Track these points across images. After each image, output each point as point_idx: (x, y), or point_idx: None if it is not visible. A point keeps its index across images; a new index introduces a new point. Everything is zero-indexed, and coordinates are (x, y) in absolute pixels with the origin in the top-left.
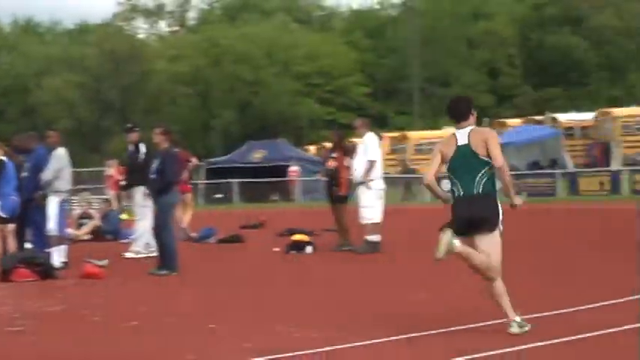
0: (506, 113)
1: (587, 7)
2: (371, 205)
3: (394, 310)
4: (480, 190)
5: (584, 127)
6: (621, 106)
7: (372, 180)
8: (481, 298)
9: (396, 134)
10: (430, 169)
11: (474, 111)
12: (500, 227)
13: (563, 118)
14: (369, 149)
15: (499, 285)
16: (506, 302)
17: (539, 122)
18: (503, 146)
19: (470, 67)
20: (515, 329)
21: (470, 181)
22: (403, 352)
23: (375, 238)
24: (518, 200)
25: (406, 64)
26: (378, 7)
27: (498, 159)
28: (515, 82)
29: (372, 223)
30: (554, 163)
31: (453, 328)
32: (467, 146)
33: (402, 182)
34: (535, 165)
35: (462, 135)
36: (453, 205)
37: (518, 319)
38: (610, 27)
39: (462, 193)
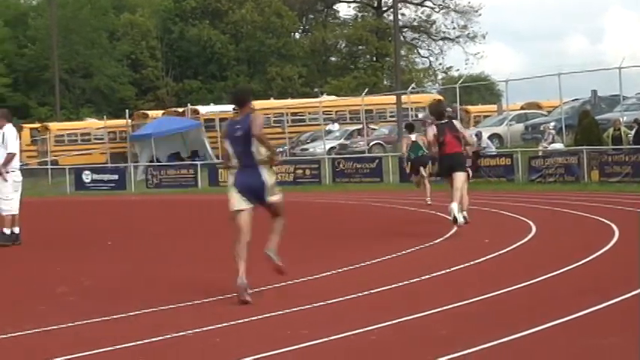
0: (148, 105)
1: (227, 2)
2: (10, 197)
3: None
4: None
5: (223, 119)
6: (259, 99)
7: (11, 172)
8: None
9: (37, 125)
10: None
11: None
12: None
13: (204, 110)
14: (9, 141)
15: None
16: None
17: (180, 114)
18: (145, 137)
19: (112, 58)
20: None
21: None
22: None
23: (14, 230)
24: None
25: (47, 54)
26: None
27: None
28: (156, 74)
29: (10, 215)
30: (195, 155)
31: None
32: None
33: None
34: (176, 156)
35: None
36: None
37: None
38: (250, 21)
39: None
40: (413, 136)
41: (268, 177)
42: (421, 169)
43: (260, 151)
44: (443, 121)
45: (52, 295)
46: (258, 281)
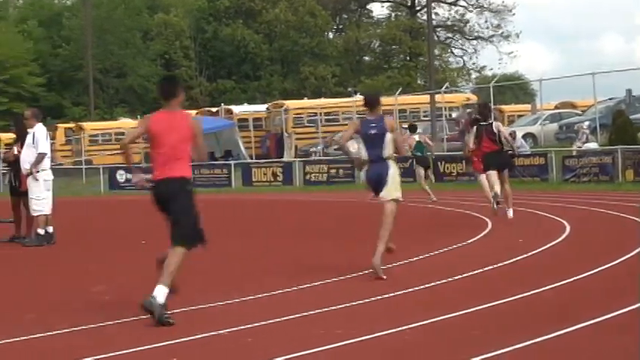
0: (181, 105)
1: (260, 1)
2: (41, 197)
3: (76, 302)
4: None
5: (257, 119)
6: (293, 98)
7: (42, 171)
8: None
9: (71, 125)
10: None
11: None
12: None
13: (238, 109)
14: (39, 141)
15: None
16: None
17: (214, 114)
18: None
19: (145, 58)
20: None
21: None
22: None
23: (47, 229)
24: None
25: (81, 54)
26: None
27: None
28: (190, 74)
29: (43, 215)
30: (228, 154)
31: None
32: None
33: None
34: (210, 156)
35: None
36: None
37: None
38: (283, 21)
39: None
40: (416, 136)
41: (394, 172)
42: (426, 168)
43: (389, 148)
44: (484, 123)
45: (87, 294)
46: (290, 282)
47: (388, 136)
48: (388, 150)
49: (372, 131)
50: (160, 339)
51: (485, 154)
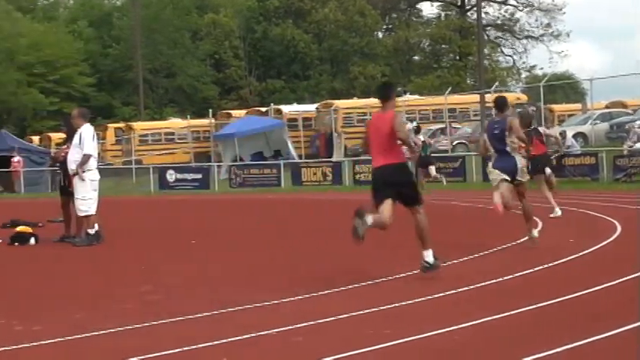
0: (231, 104)
1: (310, 1)
2: (87, 197)
3: (124, 301)
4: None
5: (306, 119)
6: (342, 98)
7: (88, 171)
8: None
9: (121, 125)
10: None
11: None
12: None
13: (287, 109)
14: (85, 141)
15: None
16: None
17: (263, 113)
18: (228, 137)
19: (195, 58)
20: None
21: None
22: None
23: (93, 229)
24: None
25: (131, 54)
26: None
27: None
28: (239, 74)
29: (89, 215)
30: (278, 154)
31: (182, 317)
32: None
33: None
34: (259, 156)
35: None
36: None
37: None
38: (333, 21)
39: None
40: (421, 137)
41: (520, 161)
42: (431, 168)
43: (513, 142)
44: (530, 128)
45: (135, 294)
46: (339, 282)
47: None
48: (510, 145)
49: (496, 131)
50: (209, 338)
51: (534, 157)
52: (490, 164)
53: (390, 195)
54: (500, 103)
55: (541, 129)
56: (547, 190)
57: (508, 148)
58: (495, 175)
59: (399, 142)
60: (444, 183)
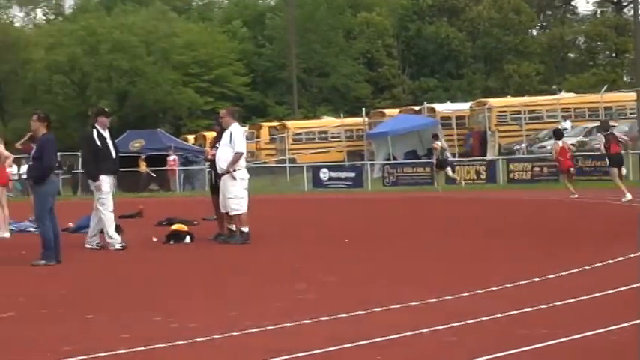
0: (384, 103)
1: None
2: (238, 195)
3: (277, 299)
4: None
5: (460, 117)
6: (496, 96)
7: (238, 170)
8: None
9: (275, 124)
10: None
11: None
12: None
13: (440, 108)
14: (235, 140)
15: None
16: None
17: (417, 112)
18: (381, 135)
19: (348, 57)
20: None
21: None
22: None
23: (246, 227)
24: None
25: (285, 53)
26: None
27: None
28: (393, 72)
29: (240, 214)
30: (431, 153)
31: (334, 316)
32: None
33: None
34: (413, 154)
35: None
36: None
37: None
38: (487, 18)
39: None
40: (439, 143)
41: None
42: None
43: None
44: (607, 132)
45: (290, 292)
46: (495, 281)
47: None
48: None
49: None
50: (358, 337)
51: (615, 154)
52: None
53: None
54: None
55: (616, 132)
56: (619, 181)
57: None
58: None
59: None
60: (463, 185)
